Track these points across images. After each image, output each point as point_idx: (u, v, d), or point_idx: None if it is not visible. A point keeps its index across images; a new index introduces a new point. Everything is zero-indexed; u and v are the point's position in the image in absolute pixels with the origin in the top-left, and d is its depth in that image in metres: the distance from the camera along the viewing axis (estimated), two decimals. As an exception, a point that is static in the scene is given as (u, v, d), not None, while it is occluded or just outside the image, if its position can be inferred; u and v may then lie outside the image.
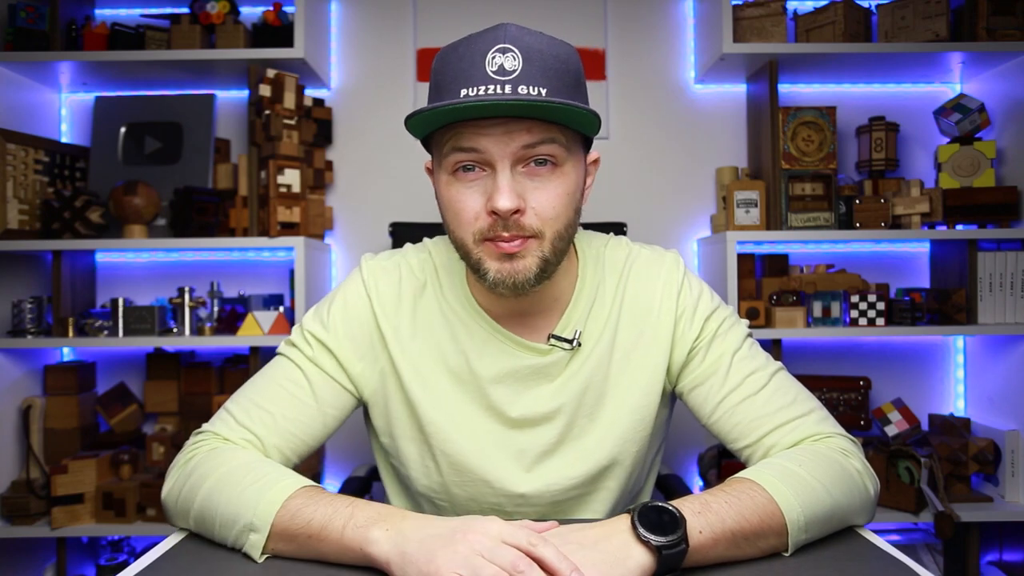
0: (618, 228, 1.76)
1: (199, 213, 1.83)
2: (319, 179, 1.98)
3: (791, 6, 2.00)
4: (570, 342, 0.90)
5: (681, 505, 0.70)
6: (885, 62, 1.91)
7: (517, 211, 0.77)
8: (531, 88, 0.75)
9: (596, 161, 0.91)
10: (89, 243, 1.80)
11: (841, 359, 2.08)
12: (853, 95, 2.10)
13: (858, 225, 1.86)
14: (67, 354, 2.03)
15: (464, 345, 0.91)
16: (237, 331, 1.80)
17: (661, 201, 2.11)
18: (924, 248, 2.08)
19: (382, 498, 1.04)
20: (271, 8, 1.91)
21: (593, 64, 2.09)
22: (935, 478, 1.72)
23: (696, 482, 2.04)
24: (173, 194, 1.86)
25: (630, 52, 2.12)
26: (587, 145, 0.87)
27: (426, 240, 1.00)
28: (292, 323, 1.83)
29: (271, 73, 1.83)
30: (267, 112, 1.82)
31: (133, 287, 2.07)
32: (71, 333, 1.79)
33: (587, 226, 1.03)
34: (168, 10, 2.01)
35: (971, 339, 2.04)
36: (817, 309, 1.83)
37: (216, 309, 1.89)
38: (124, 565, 1.88)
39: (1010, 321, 1.83)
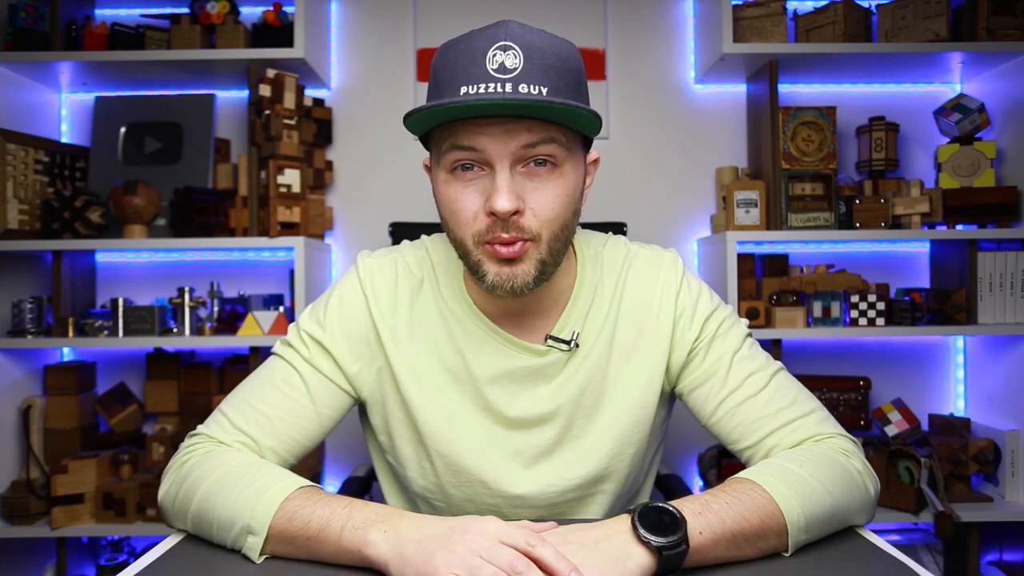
0: (618, 228, 1.76)
1: (199, 213, 1.83)
2: (319, 179, 1.98)
3: (791, 6, 2.00)
4: (568, 343, 0.90)
5: (681, 506, 0.70)
6: (885, 62, 1.91)
7: (516, 212, 0.77)
8: (532, 87, 0.74)
9: (596, 161, 0.90)
10: (89, 243, 1.80)
11: (841, 359, 2.08)
12: (853, 95, 2.10)
13: (858, 225, 1.86)
14: (67, 354, 2.03)
15: (461, 345, 0.91)
16: (237, 331, 1.80)
17: (661, 201, 2.11)
18: (924, 248, 2.08)
19: (380, 498, 1.04)
20: (271, 8, 1.91)
21: (593, 64, 2.09)
22: (935, 478, 1.72)
23: (696, 482, 2.04)
24: (173, 194, 1.86)
25: (630, 52, 2.12)
26: (587, 145, 0.86)
27: (423, 237, 0.99)
28: (292, 323, 1.83)
29: (271, 73, 1.83)
30: (267, 112, 1.82)
31: (133, 287, 2.07)
32: (71, 333, 1.79)
33: (587, 226, 1.02)
34: (168, 10, 2.01)
35: (971, 339, 2.04)
36: (817, 309, 1.83)
37: (216, 309, 1.89)
38: (124, 565, 1.88)
39: (1010, 321, 1.83)
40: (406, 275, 0.94)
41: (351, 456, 2.07)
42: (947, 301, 1.84)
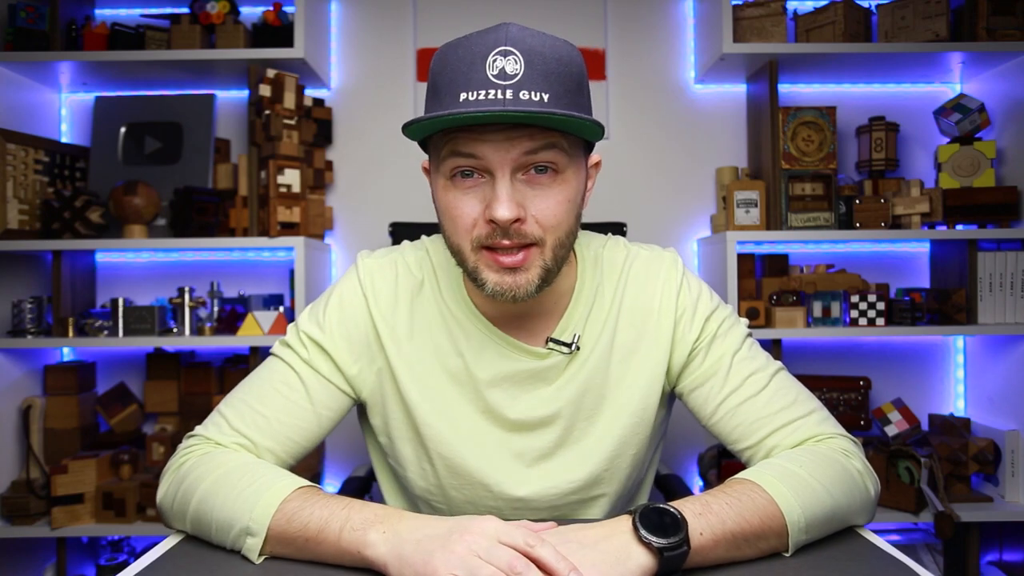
0: (618, 228, 1.76)
1: (199, 213, 1.83)
2: (319, 179, 1.98)
3: (791, 6, 2.00)
4: (569, 345, 0.90)
5: (682, 506, 0.70)
6: (885, 62, 1.90)
7: (517, 220, 0.76)
8: (532, 93, 0.73)
9: (597, 164, 0.89)
10: (89, 243, 1.80)
11: (841, 359, 2.08)
12: (853, 95, 2.10)
13: (858, 225, 1.86)
14: (67, 354, 2.03)
15: (461, 347, 0.90)
16: (237, 331, 1.80)
17: (661, 201, 2.11)
18: (924, 248, 2.08)
19: (380, 499, 1.04)
20: (271, 8, 1.91)
21: (593, 64, 2.09)
22: (935, 478, 1.72)
23: (696, 482, 2.04)
24: (173, 194, 1.86)
25: (630, 52, 2.12)
26: (589, 148, 0.85)
27: (424, 238, 0.98)
28: (292, 323, 1.83)
29: (271, 73, 1.83)
30: (267, 112, 1.82)
31: (133, 287, 2.07)
32: (71, 333, 1.79)
33: (587, 226, 1.02)
34: (168, 10, 2.01)
35: (971, 339, 2.04)
36: (817, 309, 1.83)
37: (216, 309, 1.89)
38: (124, 565, 1.88)
39: (1010, 321, 1.83)
40: (406, 276, 0.93)
41: (351, 456, 2.07)
42: (947, 301, 1.84)
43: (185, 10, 1.92)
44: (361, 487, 1.45)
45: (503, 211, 0.75)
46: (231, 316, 1.86)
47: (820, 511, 0.75)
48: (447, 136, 0.77)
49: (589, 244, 0.97)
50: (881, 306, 1.80)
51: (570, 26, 2.09)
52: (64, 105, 2.10)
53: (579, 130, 0.77)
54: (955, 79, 2.06)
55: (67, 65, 1.85)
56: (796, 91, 2.10)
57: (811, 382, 1.81)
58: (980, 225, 1.86)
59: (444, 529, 0.65)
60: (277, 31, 1.88)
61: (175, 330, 1.84)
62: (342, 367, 0.91)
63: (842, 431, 0.88)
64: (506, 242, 0.77)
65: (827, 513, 0.76)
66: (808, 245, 2.04)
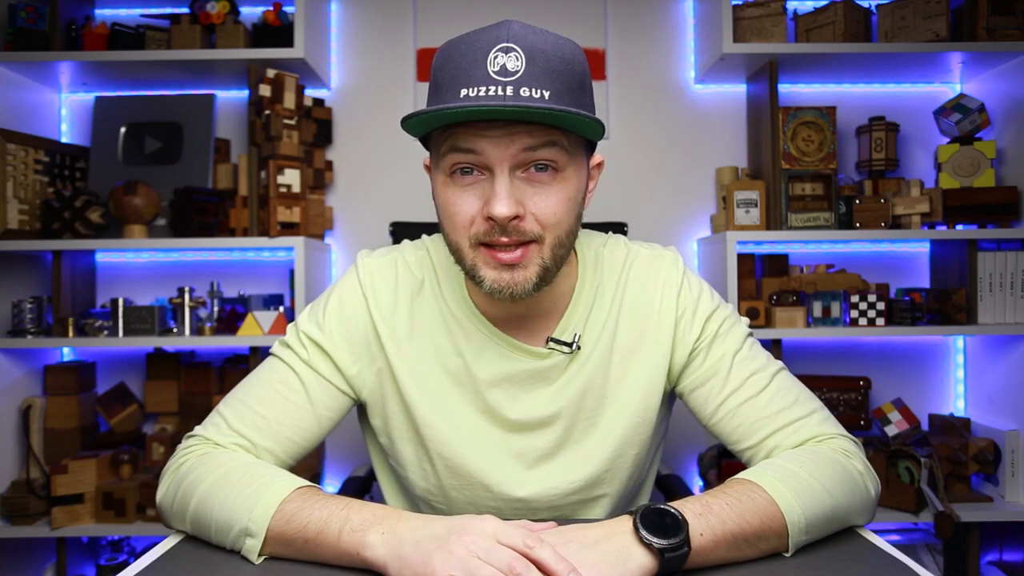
0: (618, 228, 1.76)
1: (199, 213, 1.83)
2: (319, 179, 1.98)
3: (791, 6, 2.00)
4: (569, 345, 0.89)
5: (682, 507, 0.70)
6: (885, 62, 1.90)
7: (516, 217, 0.76)
8: (533, 90, 0.73)
9: (600, 164, 0.89)
10: (89, 243, 1.80)
11: (841, 359, 2.08)
12: (853, 95, 2.10)
13: (858, 225, 1.86)
14: (67, 354, 2.03)
15: (462, 347, 0.90)
16: (237, 331, 1.80)
17: (661, 201, 2.11)
18: (924, 248, 2.08)
19: (381, 499, 1.04)
20: (271, 8, 1.91)
21: (593, 64, 2.09)
22: (935, 478, 1.72)
23: (696, 482, 2.04)
24: (173, 194, 1.86)
25: (630, 52, 2.12)
26: (591, 148, 0.85)
27: (424, 237, 0.98)
28: (291, 323, 1.83)
29: (271, 73, 1.83)
30: (267, 112, 1.82)
31: (133, 287, 2.07)
32: (71, 333, 1.79)
33: (587, 226, 1.01)
34: (168, 10, 2.01)
35: (971, 339, 2.04)
36: (817, 309, 1.83)
37: (216, 309, 1.89)
38: (124, 565, 1.88)
39: (1010, 321, 1.83)
40: (406, 276, 0.93)
41: (351, 456, 2.07)
42: (947, 301, 1.84)
43: (185, 10, 1.92)
44: (361, 487, 1.45)
45: (501, 208, 0.75)
46: (231, 316, 1.86)
47: (820, 511, 0.75)
48: (447, 132, 0.77)
49: (590, 243, 0.96)
50: (881, 306, 1.80)
51: (570, 26, 2.09)
52: (64, 105, 2.10)
53: (579, 128, 0.77)
54: (955, 79, 2.06)
55: (67, 65, 1.85)
56: (796, 91, 2.10)
57: (811, 382, 1.80)
58: (980, 225, 1.86)
59: (443, 530, 0.65)
60: (277, 31, 1.88)
61: (175, 330, 1.84)
62: (342, 367, 0.91)
63: (843, 431, 0.88)
64: (504, 239, 0.77)
65: (827, 513, 0.76)
66: (808, 245, 2.04)
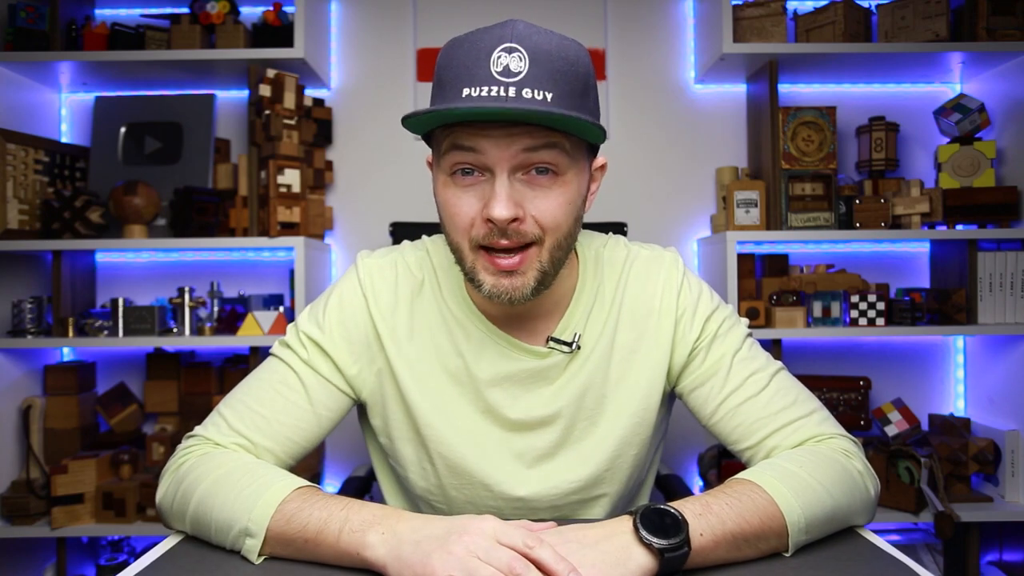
0: (618, 228, 1.76)
1: (199, 213, 1.83)
2: (319, 179, 1.98)
3: (791, 6, 2.00)
4: (569, 345, 0.90)
5: (682, 507, 0.70)
6: (885, 62, 1.90)
7: (515, 220, 0.76)
8: (536, 92, 0.72)
9: (603, 167, 0.88)
10: (89, 243, 1.80)
11: (841, 359, 2.08)
12: (853, 95, 2.10)
13: (858, 225, 1.86)
14: (67, 354, 2.03)
15: (462, 347, 0.90)
16: (237, 331, 1.80)
17: (661, 201, 2.11)
18: (924, 248, 2.08)
19: (381, 499, 1.04)
20: (271, 8, 1.91)
21: (593, 64, 2.09)
22: (935, 478, 1.72)
23: (696, 482, 2.04)
24: (173, 194, 1.86)
25: (630, 52, 2.12)
26: (593, 150, 0.85)
27: (424, 238, 0.98)
28: (291, 323, 1.83)
29: (271, 73, 1.83)
30: (267, 112, 1.82)
31: (133, 287, 2.07)
32: (71, 333, 1.79)
33: (587, 226, 1.01)
34: (168, 10, 2.01)
35: (971, 339, 2.04)
36: (817, 309, 1.83)
37: (216, 309, 1.89)
38: (124, 565, 1.88)
39: (1010, 321, 1.83)
40: (406, 276, 0.93)
41: (351, 456, 2.07)
42: (947, 301, 1.84)
43: (185, 10, 1.92)
44: (361, 487, 1.45)
45: (501, 210, 0.74)
46: (231, 316, 1.86)
47: (820, 511, 0.75)
48: (448, 130, 0.77)
49: (590, 244, 0.96)
50: (881, 306, 1.80)
51: (570, 26, 2.09)
52: (64, 105, 2.10)
53: (580, 131, 0.76)
54: (955, 79, 2.06)
55: (67, 65, 1.85)
56: (796, 91, 2.10)
57: (811, 382, 1.81)
58: (980, 225, 1.86)
59: (443, 530, 0.65)
60: (277, 31, 1.88)
61: (175, 330, 1.84)
62: (342, 367, 0.91)
63: (842, 431, 0.88)
64: (504, 242, 0.77)
65: (827, 513, 0.76)
66: (808, 245, 2.04)
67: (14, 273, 1.90)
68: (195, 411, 1.89)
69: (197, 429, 0.88)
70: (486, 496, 0.92)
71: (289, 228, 1.84)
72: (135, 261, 2.09)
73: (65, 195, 1.82)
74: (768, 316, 1.83)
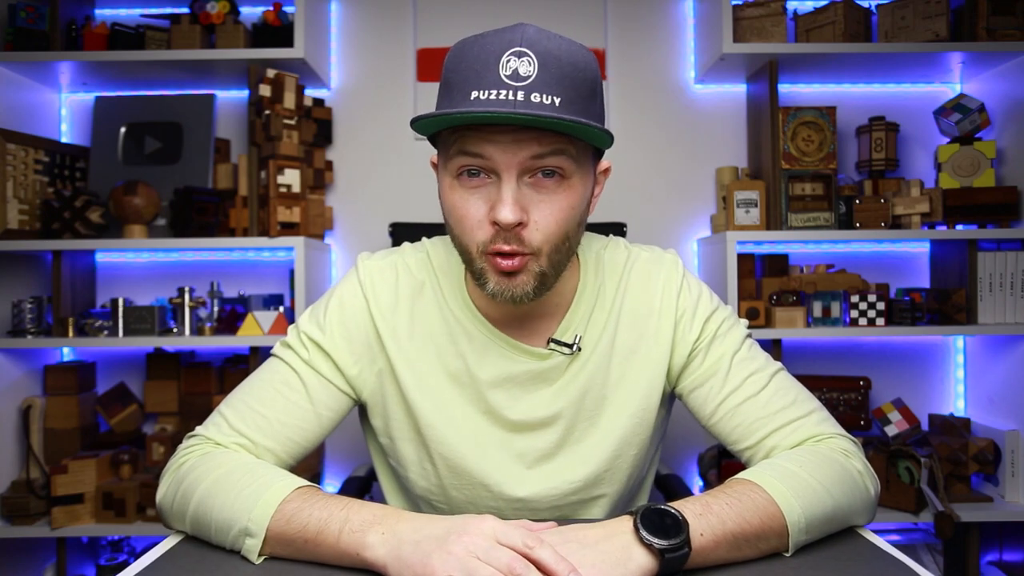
0: (618, 228, 1.76)
1: (199, 213, 1.83)
2: (319, 179, 1.98)
3: (791, 6, 2.00)
4: (570, 346, 0.90)
5: (683, 507, 0.70)
6: (885, 62, 1.90)
7: (519, 224, 0.76)
8: (544, 96, 0.73)
9: (607, 170, 0.89)
10: (89, 243, 1.80)
11: (841, 359, 2.08)
12: (853, 95, 2.10)
13: (858, 225, 1.86)
14: (67, 354, 2.03)
15: (463, 348, 0.90)
16: (237, 331, 1.80)
17: (661, 201, 2.11)
18: (924, 248, 2.08)
19: (381, 499, 1.04)
20: (271, 8, 1.91)
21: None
22: (935, 478, 1.72)
23: (696, 482, 2.04)
24: (173, 194, 1.86)
25: (630, 52, 2.12)
26: (598, 154, 0.85)
27: (424, 240, 0.98)
28: (292, 323, 1.83)
29: (271, 73, 1.83)
30: (267, 112, 1.82)
31: (133, 287, 2.07)
32: (71, 333, 1.79)
33: (587, 226, 1.02)
34: (168, 10, 2.01)
35: (971, 339, 2.04)
36: (817, 309, 1.83)
37: (216, 309, 1.89)
38: (124, 565, 1.88)
39: (1010, 321, 1.83)
40: (407, 277, 0.93)
41: (351, 456, 2.07)
42: (947, 301, 1.84)
43: (185, 10, 1.92)
44: (361, 487, 1.45)
45: (507, 214, 0.75)
46: (231, 316, 1.86)
47: (820, 511, 0.75)
48: (456, 134, 0.77)
49: (590, 246, 0.97)
50: (881, 306, 1.80)
51: (570, 26, 2.09)
52: (64, 105, 2.10)
53: (588, 137, 0.77)
54: (955, 79, 2.06)
55: (67, 65, 1.85)
56: (796, 91, 2.10)
57: (811, 382, 1.81)
58: (980, 225, 1.86)
59: (442, 530, 0.65)
60: (277, 31, 1.88)
61: (175, 330, 1.84)
62: (342, 368, 0.91)
63: (842, 431, 0.88)
64: (505, 247, 0.77)
65: (827, 513, 0.76)
66: (808, 245, 2.04)
67: (14, 273, 1.90)
68: (195, 411, 1.89)
69: (198, 429, 0.88)
70: (486, 496, 0.92)
71: (289, 228, 1.84)
72: (135, 261, 2.09)
73: (65, 195, 1.82)
74: (768, 316, 1.83)
